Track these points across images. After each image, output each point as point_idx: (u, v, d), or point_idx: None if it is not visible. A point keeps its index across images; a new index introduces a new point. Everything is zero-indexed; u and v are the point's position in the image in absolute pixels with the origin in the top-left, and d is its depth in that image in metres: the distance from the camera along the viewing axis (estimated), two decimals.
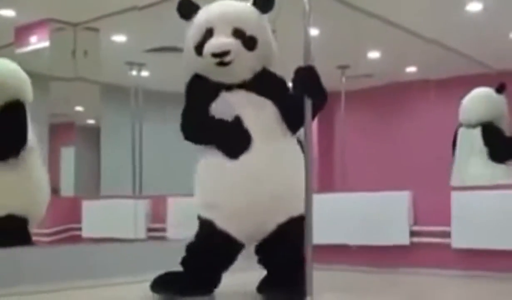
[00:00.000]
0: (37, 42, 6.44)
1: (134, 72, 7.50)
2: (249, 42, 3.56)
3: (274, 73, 3.76)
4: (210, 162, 3.63)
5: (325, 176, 8.59)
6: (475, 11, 6.61)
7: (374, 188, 5.32)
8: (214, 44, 3.50)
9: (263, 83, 3.65)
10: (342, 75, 8.20)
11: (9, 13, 6.27)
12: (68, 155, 6.90)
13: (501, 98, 5.97)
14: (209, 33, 3.55)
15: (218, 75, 3.60)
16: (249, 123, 3.53)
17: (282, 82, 3.76)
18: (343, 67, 8.12)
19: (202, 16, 3.65)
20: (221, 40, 3.50)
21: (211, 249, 3.60)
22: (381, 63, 8.56)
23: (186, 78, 3.82)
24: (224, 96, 3.61)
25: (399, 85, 9.21)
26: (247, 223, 3.53)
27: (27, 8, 6.28)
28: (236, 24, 3.55)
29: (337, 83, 8.21)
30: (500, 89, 5.97)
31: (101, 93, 7.19)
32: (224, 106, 3.57)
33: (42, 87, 6.56)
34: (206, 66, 3.60)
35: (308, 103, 3.54)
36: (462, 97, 6.24)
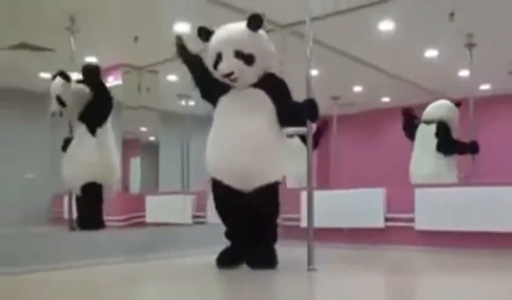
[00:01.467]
0: (113, 80, 6.50)
1: (183, 102, 7.54)
2: (249, 59, 3.50)
3: (274, 74, 3.69)
4: (210, 137, 3.67)
5: (322, 177, 8.60)
6: (433, 56, 6.59)
7: (358, 186, 5.29)
8: (221, 68, 3.50)
9: (266, 83, 3.60)
10: (334, 104, 8.19)
11: (92, 59, 6.31)
12: (135, 163, 6.95)
13: (456, 109, 5.86)
14: (219, 56, 3.52)
15: (231, 84, 3.59)
16: (243, 108, 3.55)
17: (280, 81, 3.69)
18: (335, 98, 8.11)
19: (213, 42, 3.59)
20: (226, 64, 3.48)
21: (224, 198, 3.64)
22: (363, 95, 8.53)
23: None
24: (234, 92, 3.61)
25: (376, 111, 9.20)
26: (238, 179, 3.52)
27: (105, 56, 6.32)
28: (236, 47, 3.49)
29: (331, 110, 8.21)
30: (458, 103, 5.88)
31: (159, 117, 7.23)
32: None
33: (117, 114, 6.60)
34: (222, 78, 3.58)
35: (309, 125, 3.63)
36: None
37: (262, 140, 3.51)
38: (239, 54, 3.49)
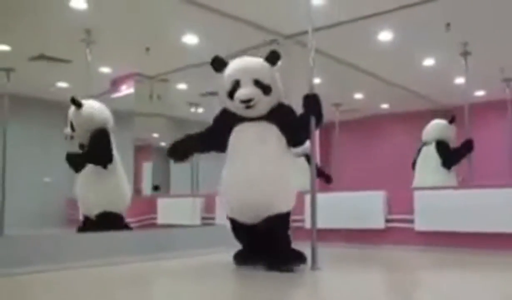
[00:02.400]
0: (125, 89, 6.52)
1: (192, 109, 7.56)
2: (266, 90, 3.51)
3: (283, 103, 3.67)
4: (226, 173, 3.62)
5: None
6: (430, 65, 6.59)
7: (360, 188, 5.29)
8: (242, 93, 3.46)
9: (276, 113, 3.59)
10: (336, 110, 8.18)
11: (106, 70, 6.36)
12: (147, 167, 6.97)
13: (450, 127, 5.95)
14: (236, 83, 3.50)
15: (244, 113, 3.56)
16: (255, 140, 3.52)
17: (289, 109, 3.68)
18: (337, 105, 8.09)
19: (230, 71, 3.56)
20: (247, 90, 3.46)
21: (239, 232, 3.71)
22: (363, 102, 8.52)
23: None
24: (244, 125, 3.57)
25: (376, 117, 9.18)
26: (246, 214, 3.53)
27: (118, 66, 6.37)
28: (255, 75, 3.50)
29: (333, 116, 8.20)
30: (451, 120, 5.95)
31: (170, 124, 7.25)
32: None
33: (129, 121, 6.65)
34: (236, 107, 3.56)
35: (313, 122, 3.60)
36: (420, 125, 6.23)
37: (278, 174, 3.50)
38: (258, 83, 3.49)
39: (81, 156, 4.64)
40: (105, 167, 4.57)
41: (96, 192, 4.58)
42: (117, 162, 4.72)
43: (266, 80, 3.52)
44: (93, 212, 4.58)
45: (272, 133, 3.56)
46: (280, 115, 3.60)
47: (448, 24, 5.17)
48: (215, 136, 3.71)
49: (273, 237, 3.51)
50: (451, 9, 4.91)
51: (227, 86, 3.55)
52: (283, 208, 3.51)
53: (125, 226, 4.81)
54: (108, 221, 4.57)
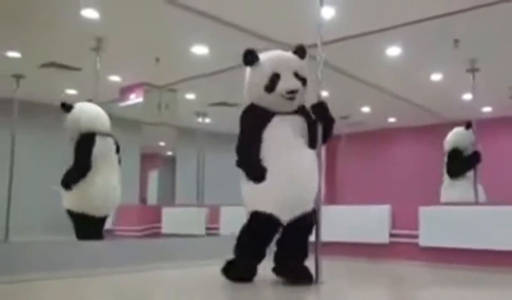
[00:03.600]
0: (134, 98, 6.56)
1: (200, 119, 7.59)
2: (304, 82, 3.51)
3: (304, 106, 3.63)
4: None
5: (329, 193, 8.56)
6: (437, 80, 6.60)
7: (365, 202, 5.29)
8: (287, 85, 3.42)
9: (303, 110, 3.58)
10: (343, 123, 8.19)
11: (116, 78, 6.40)
12: (153, 176, 6.98)
13: (465, 133, 5.91)
14: (276, 77, 3.43)
15: (281, 107, 3.48)
16: (292, 136, 3.46)
17: (309, 112, 3.63)
18: (344, 117, 8.09)
19: (267, 64, 3.50)
20: (292, 82, 3.44)
21: (263, 232, 3.49)
22: (370, 115, 8.52)
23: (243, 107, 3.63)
24: (280, 118, 3.48)
25: (383, 130, 9.18)
26: (289, 208, 3.39)
27: (127, 75, 6.42)
28: (295, 68, 3.48)
29: (340, 129, 8.19)
30: (467, 126, 5.92)
31: (177, 133, 7.27)
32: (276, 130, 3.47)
33: (137, 129, 6.69)
34: (275, 100, 3.46)
35: (320, 130, 3.59)
36: (427, 139, 6.24)
37: (316, 170, 3.51)
38: (297, 76, 3.49)
39: (67, 174, 4.59)
40: (83, 175, 4.51)
41: (73, 193, 4.54)
42: (99, 167, 4.59)
43: (303, 73, 3.52)
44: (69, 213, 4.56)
45: (305, 128, 3.56)
46: (306, 114, 3.60)
47: (456, 41, 5.19)
48: (260, 139, 3.50)
49: (306, 235, 3.51)
50: (459, 26, 4.92)
51: (265, 79, 3.46)
52: (313, 205, 3.51)
53: (98, 230, 4.66)
54: (79, 223, 4.52)
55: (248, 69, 3.60)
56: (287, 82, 3.43)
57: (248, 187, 3.46)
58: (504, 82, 6.38)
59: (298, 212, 3.40)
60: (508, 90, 6.46)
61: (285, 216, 3.38)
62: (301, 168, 3.41)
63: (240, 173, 3.51)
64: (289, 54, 3.59)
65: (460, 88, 6.53)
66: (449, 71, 6.33)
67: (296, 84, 3.44)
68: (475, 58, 5.80)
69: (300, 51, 3.59)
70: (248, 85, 3.60)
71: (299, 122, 3.55)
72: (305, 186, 3.42)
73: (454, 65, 6.04)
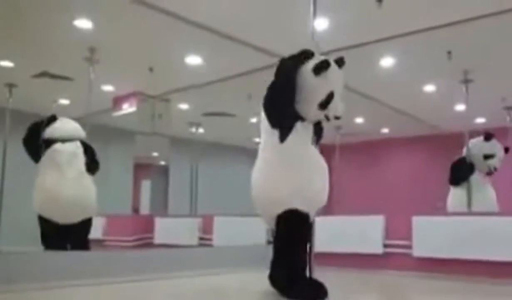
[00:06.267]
0: (127, 108, 6.54)
1: (193, 129, 7.61)
2: None
3: None
4: (284, 165, 3.25)
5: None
6: (430, 91, 6.64)
7: (358, 213, 5.30)
8: (338, 109, 3.19)
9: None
10: (337, 134, 8.22)
11: (109, 88, 6.39)
12: (146, 186, 6.97)
13: (478, 144, 5.89)
14: (331, 95, 3.14)
15: (316, 119, 3.32)
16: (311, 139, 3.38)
17: None
18: (337, 128, 8.14)
19: (329, 80, 3.17)
20: (343, 107, 3.19)
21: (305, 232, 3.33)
22: (364, 126, 8.56)
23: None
24: (304, 125, 3.29)
25: (376, 141, 9.22)
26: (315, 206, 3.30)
27: (121, 85, 6.42)
28: (342, 87, 3.27)
29: (334, 139, 8.24)
30: (486, 137, 5.90)
31: (170, 143, 7.28)
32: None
33: (130, 139, 6.69)
34: (317, 116, 3.25)
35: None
36: (420, 150, 6.25)
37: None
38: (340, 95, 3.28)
39: None
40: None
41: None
42: (46, 164, 4.53)
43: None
44: None
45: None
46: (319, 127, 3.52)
47: (449, 52, 5.23)
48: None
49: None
50: (452, 37, 4.96)
51: (322, 95, 3.16)
52: None
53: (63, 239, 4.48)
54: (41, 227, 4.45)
55: (309, 76, 3.20)
56: (337, 105, 3.19)
57: (282, 181, 3.19)
58: (497, 93, 6.43)
59: (315, 211, 3.35)
60: (501, 101, 6.51)
61: (312, 216, 3.32)
62: (323, 169, 3.35)
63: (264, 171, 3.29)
64: (341, 72, 3.29)
65: (454, 99, 6.57)
66: (442, 83, 6.38)
67: (343, 109, 3.20)
68: (468, 69, 5.85)
69: (340, 63, 3.30)
70: (304, 94, 3.21)
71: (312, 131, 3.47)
72: (326, 185, 3.34)
73: (447, 77, 6.09)
